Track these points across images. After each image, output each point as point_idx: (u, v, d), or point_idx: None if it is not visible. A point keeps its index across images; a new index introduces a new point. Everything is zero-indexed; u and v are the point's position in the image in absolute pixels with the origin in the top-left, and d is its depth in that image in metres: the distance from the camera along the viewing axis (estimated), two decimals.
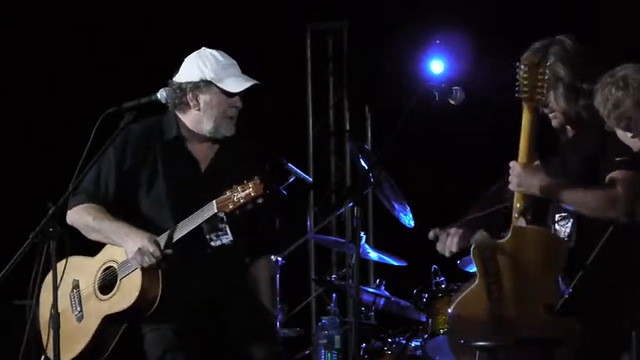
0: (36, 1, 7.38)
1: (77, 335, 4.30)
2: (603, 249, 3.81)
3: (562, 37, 4.22)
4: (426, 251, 6.69)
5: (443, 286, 6.11)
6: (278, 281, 6.26)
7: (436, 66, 7.31)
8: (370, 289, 6.63)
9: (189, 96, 4.34)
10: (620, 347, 3.96)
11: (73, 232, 4.29)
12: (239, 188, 4.09)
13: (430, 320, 6.04)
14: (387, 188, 6.09)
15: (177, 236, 4.20)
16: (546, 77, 4.05)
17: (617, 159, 4.01)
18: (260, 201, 4.07)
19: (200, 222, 4.17)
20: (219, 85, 4.33)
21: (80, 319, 4.32)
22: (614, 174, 4.01)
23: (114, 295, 4.26)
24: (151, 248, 4.17)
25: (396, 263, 6.68)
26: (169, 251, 4.19)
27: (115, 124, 4.14)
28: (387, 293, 6.61)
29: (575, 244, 4.14)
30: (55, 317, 3.92)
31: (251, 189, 4.07)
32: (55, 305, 3.91)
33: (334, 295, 6.64)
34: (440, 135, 6.93)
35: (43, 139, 7.39)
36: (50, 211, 3.95)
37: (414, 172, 7.03)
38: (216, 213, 4.12)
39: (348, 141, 8.14)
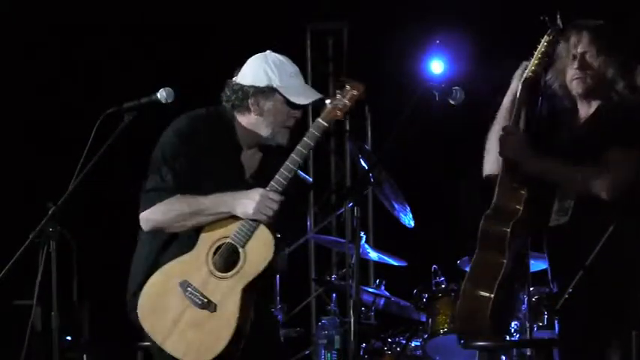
0: (36, 0, 7.38)
1: (219, 325, 4.09)
2: (603, 248, 3.81)
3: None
4: (426, 251, 6.72)
5: (443, 286, 6.12)
6: (278, 281, 6.27)
7: (436, 66, 7.31)
8: (370, 289, 6.63)
9: (251, 100, 4.23)
10: (620, 347, 3.96)
11: (74, 232, 4.27)
12: (339, 96, 4.13)
13: (430, 320, 6.04)
14: (387, 188, 6.09)
15: (289, 175, 4.13)
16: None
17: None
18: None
19: (309, 149, 4.16)
20: (285, 94, 4.25)
21: (215, 308, 4.09)
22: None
23: (243, 264, 4.09)
24: (272, 195, 4.07)
25: (396, 263, 6.68)
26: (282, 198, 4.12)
27: (115, 124, 4.14)
28: (387, 293, 6.61)
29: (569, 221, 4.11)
30: (56, 318, 3.92)
31: (353, 91, 4.12)
32: (54, 306, 3.89)
33: (334, 295, 6.64)
34: (440, 135, 6.93)
35: (43, 139, 7.39)
36: (50, 211, 3.96)
37: (414, 172, 7.03)
38: (325, 126, 4.14)
39: (348, 141, 8.14)
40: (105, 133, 4.10)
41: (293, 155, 4.13)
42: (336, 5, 7.93)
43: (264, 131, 4.26)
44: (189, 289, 4.07)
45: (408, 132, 4.06)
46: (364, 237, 6.76)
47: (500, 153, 4.12)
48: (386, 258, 6.70)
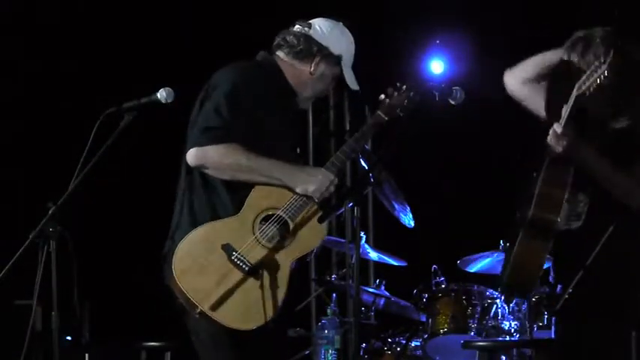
0: (37, 1, 7.39)
1: (267, 296, 3.99)
2: (603, 249, 3.81)
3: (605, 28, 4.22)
4: (426, 251, 6.72)
5: (443, 286, 6.13)
6: None
7: (436, 66, 7.31)
8: (370, 289, 6.63)
9: (317, 59, 4.28)
10: (620, 347, 3.96)
11: (74, 232, 4.26)
12: (396, 94, 4.21)
13: (430, 320, 6.05)
14: (387, 188, 6.09)
15: (345, 160, 4.17)
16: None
17: None
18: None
19: (367, 139, 4.22)
20: (344, 71, 4.32)
21: (261, 278, 3.98)
22: None
23: (293, 239, 4.05)
24: (331, 176, 4.08)
25: (396, 263, 6.69)
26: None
27: (115, 124, 4.14)
28: (387, 293, 6.61)
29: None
30: (56, 318, 3.91)
31: (404, 91, 4.21)
32: (54, 306, 3.88)
33: (334, 295, 6.64)
34: (440, 135, 6.93)
35: (44, 139, 7.39)
36: (50, 211, 3.95)
37: (414, 172, 7.03)
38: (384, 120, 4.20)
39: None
40: (105, 133, 4.09)
41: (351, 141, 4.16)
42: (336, 5, 7.93)
43: (308, 91, 4.31)
44: (234, 253, 3.97)
45: (408, 132, 4.05)
46: (364, 237, 6.77)
47: (556, 150, 4.00)
48: (386, 258, 6.70)
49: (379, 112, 4.20)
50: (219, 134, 4.03)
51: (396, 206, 6.22)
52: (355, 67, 4.45)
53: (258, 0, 7.62)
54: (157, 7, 7.51)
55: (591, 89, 3.84)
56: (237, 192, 4.08)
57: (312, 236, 4.09)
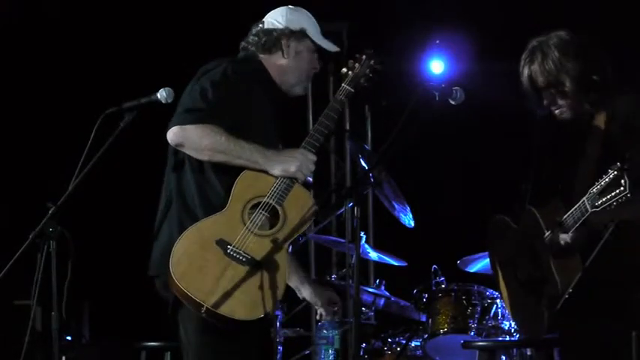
0: (37, 1, 7.39)
1: (269, 282, 4.01)
2: (603, 249, 3.81)
3: (559, 32, 4.20)
4: (426, 251, 6.72)
5: (443, 286, 6.12)
6: None
7: (436, 66, 7.31)
8: (370, 289, 6.63)
9: (284, 41, 4.32)
10: (620, 347, 3.96)
11: (74, 232, 4.25)
12: (357, 64, 4.27)
13: (430, 320, 6.04)
14: (387, 188, 6.09)
15: (321, 138, 4.20)
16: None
17: None
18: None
19: (337, 113, 4.24)
20: (314, 39, 4.36)
21: (260, 266, 4.00)
22: None
23: (284, 222, 4.06)
24: (310, 155, 4.13)
25: (396, 263, 6.68)
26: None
27: (115, 124, 4.14)
28: (387, 293, 6.61)
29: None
30: (56, 318, 3.91)
31: (365, 58, 4.30)
32: (54, 306, 3.88)
33: None
34: (440, 135, 6.92)
35: (43, 139, 7.39)
36: (50, 211, 3.95)
37: (414, 172, 7.02)
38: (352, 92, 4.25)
39: (348, 141, 8.14)
40: (105, 133, 4.09)
41: (322, 119, 4.20)
42: (336, 5, 7.92)
43: (292, 76, 4.34)
44: (229, 247, 3.98)
45: (408, 132, 4.05)
46: (364, 237, 6.76)
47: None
48: (386, 258, 6.70)
49: (344, 85, 4.26)
50: (201, 115, 4.05)
51: (396, 206, 6.21)
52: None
53: (258, 1, 7.62)
54: (157, 7, 7.51)
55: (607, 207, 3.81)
56: (225, 174, 4.09)
57: (301, 216, 4.09)
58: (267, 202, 4.05)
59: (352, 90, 4.25)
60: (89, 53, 7.49)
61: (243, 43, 4.41)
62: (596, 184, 3.79)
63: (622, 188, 3.71)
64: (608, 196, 3.75)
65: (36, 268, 3.95)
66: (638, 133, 3.99)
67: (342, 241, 7.26)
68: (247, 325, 3.96)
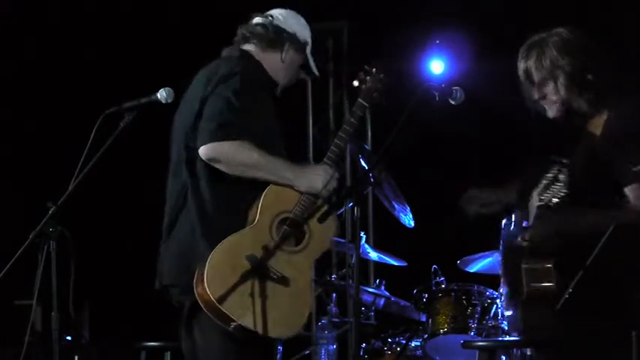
0: (37, 1, 7.38)
1: (298, 301, 4.05)
2: (603, 248, 3.81)
3: (560, 29, 4.21)
4: (426, 251, 6.72)
5: (443, 286, 6.12)
6: None
7: (436, 66, 7.30)
8: (370, 289, 6.63)
9: (287, 46, 4.34)
10: (620, 347, 3.95)
11: (74, 232, 4.25)
12: (367, 77, 4.29)
13: (430, 320, 6.04)
14: (387, 188, 6.09)
15: (339, 153, 4.24)
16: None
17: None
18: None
19: (354, 127, 4.27)
20: (308, 57, 4.41)
21: (289, 283, 4.02)
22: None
23: (309, 240, 4.09)
24: (333, 172, 4.15)
25: (396, 263, 6.68)
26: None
27: (115, 124, 4.13)
28: (387, 293, 6.61)
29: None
30: (56, 318, 3.91)
31: (375, 73, 4.31)
32: (54, 306, 3.88)
33: (334, 295, 6.64)
34: (440, 135, 6.92)
35: (43, 139, 7.38)
36: (50, 211, 3.95)
37: (414, 172, 7.02)
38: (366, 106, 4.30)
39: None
40: (105, 133, 4.09)
41: (340, 133, 4.23)
42: (336, 5, 7.92)
43: (282, 79, 4.37)
44: (260, 262, 3.99)
45: (407, 132, 4.05)
46: (364, 237, 6.76)
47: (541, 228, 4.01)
48: (386, 258, 6.70)
49: (360, 100, 4.28)
50: (235, 131, 4.06)
51: (396, 206, 6.21)
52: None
53: (258, 1, 7.62)
54: (157, 7, 7.50)
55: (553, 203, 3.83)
56: (243, 185, 4.10)
57: (325, 234, 4.14)
58: (294, 218, 4.08)
59: (367, 105, 4.29)
60: (89, 53, 7.49)
61: (243, 31, 4.39)
62: (544, 178, 3.84)
63: (560, 184, 3.75)
64: (549, 191, 3.79)
65: (36, 268, 3.95)
66: (629, 144, 3.99)
67: (342, 241, 7.25)
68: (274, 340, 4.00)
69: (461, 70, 7.08)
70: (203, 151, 4.07)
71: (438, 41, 7.25)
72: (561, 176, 3.75)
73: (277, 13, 4.41)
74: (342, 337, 6.52)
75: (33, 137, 7.41)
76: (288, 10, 4.45)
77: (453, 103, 4.21)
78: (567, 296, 3.78)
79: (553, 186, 3.78)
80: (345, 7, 7.91)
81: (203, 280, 3.96)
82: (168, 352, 5.96)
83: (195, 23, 7.56)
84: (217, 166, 4.08)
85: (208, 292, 3.94)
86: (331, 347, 6.27)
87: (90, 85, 7.32)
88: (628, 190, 3.97)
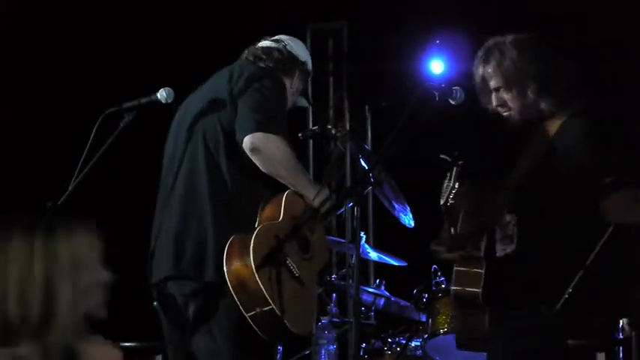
0: (36, 1, 7.38)
1: (309, 303, 4.12)
2: (603, 249, 3.81)
3: (518, 34, 4.19)
4: (426, 251, 6.71)
5: (443, 286, 6.11)
6: None
7: (436, 66, 7.31)
8: (370, 289, 6.63)
9: (297, 72, 4.39)
10: (620, 347, 3.96)
11: None
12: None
13: (430, 320, 6.04)
14: (387, 188, 6.09)
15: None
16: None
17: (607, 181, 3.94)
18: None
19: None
20: (309, 85, 4.57)
21: (302, 284, 4.05)
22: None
23: (314, 252, 4.14)
24: (328, 192, 4.21)
25: (396, 263, 6.68)
26: None
27: (115, 124, 4.14)
28: (387, 293, 6.61)
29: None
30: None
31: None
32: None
33: (334, 295, 6.64)
34: (440, 135, 6.92)
35: (43, 139, 7.39)
36: (50, 211, 3.95)
37: (414, 172, 7.02)
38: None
39: (348, 141, 8.13)
40: (105, 133, 4.09)
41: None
42: (336, 5, 7.93)
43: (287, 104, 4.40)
44: (288, 258, 4.00)
45: (408, 132, 4.06)
46: (364, 237, 6.76)
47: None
48: (386, 258, 6.70)
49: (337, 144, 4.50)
50: (280, 127, 4.10)
51: (396, 206, 6.21)
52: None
53: (258, 1, 7.63)
54: (157, 7, 7.51)
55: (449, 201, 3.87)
56: (258, 179, 4.13)
57: (323, 251, 4.22)
58: (303, 230, 4.11)
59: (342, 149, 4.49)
60: (89, 53, 7.49)
61: (257, 52, 4.40)
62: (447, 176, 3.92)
63: (448, 181, 3.83)
64: (444, 187, 3.88)
65: None
66: (578, 157, 3.98)
67: (342, 241, 7.26)
68: (291, 336, 3.98)
69: (461, 70, 7.07)
70: (250, 139, 4.02)
71: (438, 41, 7.25)
72: (448, 174, 3.83)
73: (287, 40, 4.45)
74: (342, 337, 6.51)
75: (33, 137, 7.41)
76: (293, 38, 4.50)
77: (452, 103, 4.21)
78: (567, 296, 3.79)
79: (447, 186, 3.86)
80: (345, 7, 7.91)
81: (245, 252, 3.88)
82: (159, 356, 5.96)
83: (195, 23, 7.56)
84: (255, 156, 4.05)
85: (252, 263, 3.85)
86: (331, 347, 6.26)
87: (90, 85, 7.32)
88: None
